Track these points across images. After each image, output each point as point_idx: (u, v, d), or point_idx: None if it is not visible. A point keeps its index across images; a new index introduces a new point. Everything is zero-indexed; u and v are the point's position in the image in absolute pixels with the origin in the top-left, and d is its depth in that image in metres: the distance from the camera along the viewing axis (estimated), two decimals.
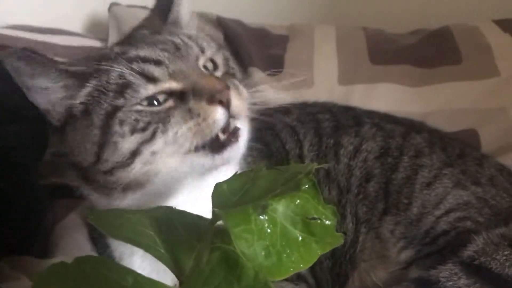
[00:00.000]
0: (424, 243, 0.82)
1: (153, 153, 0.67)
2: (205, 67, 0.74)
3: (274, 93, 1.32)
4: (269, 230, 0.46)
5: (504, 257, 0.74)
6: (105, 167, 0.69)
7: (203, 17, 1.51)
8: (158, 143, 0.66)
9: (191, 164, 0.68)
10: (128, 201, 0.71)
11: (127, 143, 0.67)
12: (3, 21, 1.48)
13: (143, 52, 0.70)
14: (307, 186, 0.49)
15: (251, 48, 1.44)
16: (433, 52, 1.34)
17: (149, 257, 0.74)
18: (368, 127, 0.96)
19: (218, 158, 0.68)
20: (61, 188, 0.95)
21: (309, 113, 1.01)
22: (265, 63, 1.39)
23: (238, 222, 0.45)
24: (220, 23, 1.49)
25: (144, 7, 1.53)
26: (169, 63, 0.69)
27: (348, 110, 1.05)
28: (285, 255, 0.46)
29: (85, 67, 0.71)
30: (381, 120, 0.99)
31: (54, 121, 0.74)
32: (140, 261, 0.76)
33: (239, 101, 0.68)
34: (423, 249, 0.82)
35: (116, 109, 0.68)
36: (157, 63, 0.69)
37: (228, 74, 0.76)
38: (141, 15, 1.52)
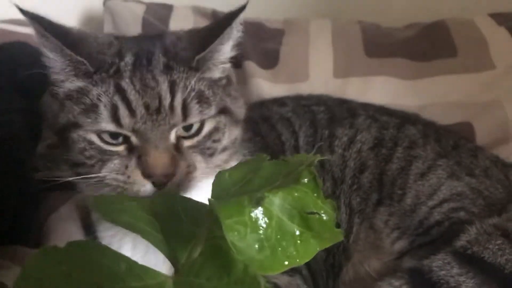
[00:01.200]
0: (417, 234, 0.83)
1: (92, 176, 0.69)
2: (185, 128, 0.71)
3: (270, 86, 1.32)
4: (264, 223, 0.45)
5: (497, 247, 0.74)
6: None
7: (199, 11, 1.51)
8: (94, 172, 0.69)
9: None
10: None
11: (74, 157, 0.71)
12: (0, 15, 1.48)
13: (130, 92, 0.68)
14: (307, 179, 0.47)
15: (246, 42, 1.43)
16: (428, 45, 1.34)
17: (139, 252, 0.75)
18: (362, 118, 0.96)
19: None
20: (54, 180, 0.95)
21: (304, 105, 1.02)
22: (261, 57, 1.39)
23: (230, 213, 0.44)
24: (216, 17, 1.48)
25: (139, 2, 1.53)
26: (140, 120, 0.67)
27: (343, 102, 1.06)
28: (280, 249, 0.45)
29: (88, 62, 0.69)
30: (376, 112, 0.99)
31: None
32: (130, 254, 0.76)
33: (178, 186, 0.68)
34: (416, 240, 0.82)
35: (75, 125, 0.69)
36: (131, 113, 0.67)
37: (198, 146, 0.71)
38: (137, 10, 1.52)
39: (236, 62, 1.37)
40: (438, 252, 0.75)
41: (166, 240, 0.50)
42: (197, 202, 0.54)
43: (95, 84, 0.68)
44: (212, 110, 0.72)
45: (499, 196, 0.88)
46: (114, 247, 0.77)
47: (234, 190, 0.51)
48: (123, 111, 0.67)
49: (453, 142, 0.97)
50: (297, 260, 0.46)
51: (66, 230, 0.84)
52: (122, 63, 0.70)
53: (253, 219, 0.45)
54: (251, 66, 1.36)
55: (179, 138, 0.70)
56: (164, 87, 0.69)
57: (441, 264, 0.73)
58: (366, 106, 1.04)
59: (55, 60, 0.70)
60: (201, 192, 0.66)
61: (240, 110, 0.80)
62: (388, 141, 0.91)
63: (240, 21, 0.73)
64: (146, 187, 0.67)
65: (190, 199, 0.55)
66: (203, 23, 1.43)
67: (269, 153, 0.87)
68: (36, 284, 0.39)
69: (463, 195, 0.86)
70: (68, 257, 0.42)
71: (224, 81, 0.77)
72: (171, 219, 0.51)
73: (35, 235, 0.86)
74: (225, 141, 0.75)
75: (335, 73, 1.32)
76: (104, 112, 0.67)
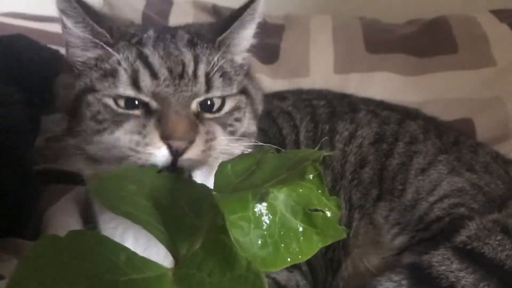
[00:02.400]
0: (418, 229, 0.82)
1: (101, 144, 0.67)
2: (202, 105, 0.69)
3: (270, 81, 1.32)
4: (267, 219, 0.45)
5: (497, 242, 0.74)
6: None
7: (199, 6, 1.50)
8: (106, 136, 0.66)
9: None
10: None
11: (85, 125, 0.68)
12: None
13: (153, 57, 0.67)
14: (312, 175, 0.47)
15: None
16: (429, 41, 1.34)
17: (141, 246, 0.74)
18: (363, 113, 0.95)
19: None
20: (54, 173, 0.95)
21: (305, 99, 1.01)
22: (261, 52, 1.38)
23: (235, 209, 0.44)
24: (216, 12, 1.48)
25: None
26: (162, 83, 0.66)
27: (344, 97, 1.05)
28: (283, 245, 0.45)
29: (108, 33, 0.69)
30: (377, 107, 0.99)
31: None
32: (132, 248, 0.75)
33: (197, 156, 0.64)
34: (416, 235, 0.82)
35: (91, 90, 0.68)
36: (153, 76, 0.66)
37: (219, 120, 0.70)
38: (137, 4, 1.52)
39: None
40: (438, 248, 0.75)
41: (167, 230, 0.49)
42: (200, 186, 0.52)
43: (116, 50, 0.67)
44: (234, 89, 0.72)
45: (500, 192, 0.87)
46: (116, 240, 0.76)
47: (237, 183, 0.50)
48: (144, 75, 0.66)
49: (453, 137, 0.96)
50: (300, 257, 0.45)
51: (65, 223, 0.84)
52: (145, 35, 0.70)
53: (257, 215, 0.44)
54: (251, 61, 1.36)
55: (200, 112, 0.69)
56: (188, 56, 0.68)
57: (440, 259, 0.73)
58: (366, 101, 1.03)
59: (75, 31, 0.69)
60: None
61: (259, 102, 0.79)
62: (389, 136, 0.91)
63: (261, 6, 0.74)
64: (161, 150, 0.63)
65: (191, 185, 0.54)
66: (203, 17, 1.43)
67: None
68: (36, 272, 0.39)
69: (464, 191, 0.85)
70: (68, 246, 0.41)
71: (246, 68, 0.78)
72: (172, 208, 0.51)
73: (34, 228, 0.86)
74: (246, 124, 0.73)
75: (335, 69, 1.32)
76: (124, 76, 0.66)
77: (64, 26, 0.70)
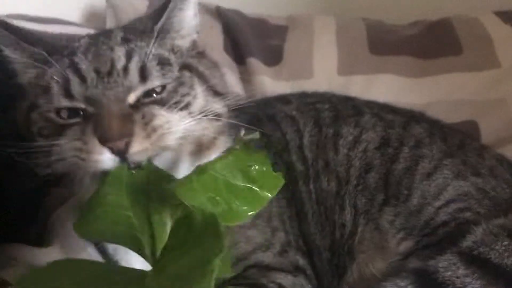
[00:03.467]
0: (423, 234, 0.82)
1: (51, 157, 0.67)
2: (146, 94, 0.68)
3: (273, 83, 1.32)
4: (212, 185, 0.53)
5: (503, 248, 0.73)
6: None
7: (202, 7, 1.49)
8: (53, 152, 0.67)
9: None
10: None
11: (38, 141, 0.69)
12: (1, 10, 1.47)
13: (82, 63, 0.68)
14: (237, 147, 0.57)
15: (250, 39, 1.42)
16: (433, 43, 1.33)
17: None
18: (368, 117, 0.95)
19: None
20: (56, 178, 0.94)
21: (309, 103, 1.01)
22: (264, 54, 1.38)
23: (180, 183, 0.52)
24: (219, 14, 1.47)
25: None
26: (91, 86, 0.66)
27: (348, 100, 1.05)
28: (236, 202, 0.53)
29: (43, 50, 0.70)
30: (381, 110, 0.99)
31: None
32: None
33: (144, 145, 0.63)
34: (422, 240, 0.82)
35: (34, 107, 0.70)
36: (82, 80, 0.67)
37: (161, 101, 0.68)
38: (139, 5, 1.51)
39: (239, 58, 1.38)
40: (444, 253, 0.74)
41: (144, 232, 0.55)
42: (167, 174, 0.61)
43: (50, 66, 0.68)
44: (175, 71, 0.70)
45: (505, 196, 0.87)
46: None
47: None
48: (74, 81, 0.67)
49: (458, 141, 0.96)
50: (255, 207, 0.54)
51: (68, 228, 0.84)
52: (77, 44, 0.72)
53: (201, 183, 0.52)
54: (254, 63, 1.36)
55: (139, 100, 0.67)
56: (119, 53, 0.68)
57: (447, 265, 0.72)
58: (371, 104, 1.03)
59: (15, 57, 0.72)
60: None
61: (215, 80, 0.77)
62: (394, 141, 0.90)
63: None
64: (104, 155, 0.62)
65: (161, 172, 0.61)
66: (207, 19, 1.42)
67: (273, 152, 0.88)
68: None
69: (469, 195, 0.85)
70: (53, 275, 0.47)
71: (193, 52, 0.77)
72: (144, 202, 0.57)
73: (37, 233, 0.85)
74: (200, 99, 0.71)
75: (339, 71, 1.31)
76: (56, 89, 0.67)
77: (7, 58, 0.73)
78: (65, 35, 0.81)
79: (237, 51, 1.40)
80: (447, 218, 0.82)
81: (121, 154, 0.62)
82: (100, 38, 0.72)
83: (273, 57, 1.37)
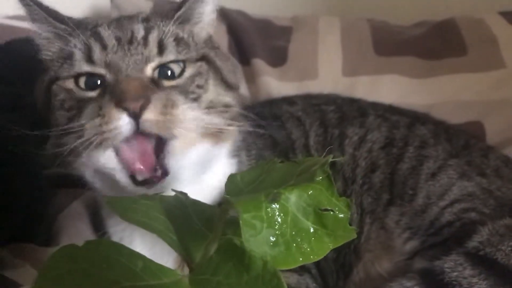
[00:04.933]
0: (429, 234, 0.82)
1: (72, 134, 0.67)
2: (161, 72, 0.70)
3: (278, 84, 1.32)
4: (279, 219, 0.45)
5: (510, 248, 0.73)
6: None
7: None
8: (74, 125, 0.66)
9: (110, 171, 0.68)
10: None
11: (58, 118, 0.71)
12: (3, 11, 1.48)
13: (104, 32, 0.71)
14: (321, 178, 0.47)
15: (254, 40, 1.43)
16: (438, 43, 1.33)
17: (147, 246, 0.75)
18: (373, 118, 0.95)
19: (139, 188, 0.66)
20: (64, 178, 0.95)
21: (314, 104, 1.01)
22: (269, 55, 1.38)
23: (248, 208, 0.44)
24: (224, 14, 1.48)
25: None
26: (110, 51, 0.68)
27: (353, 102, 1.05)
28: (294, 245, 0.45)
29: (69, 27, 0.72)
30: (386, 112, 0.99)
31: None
32: (140, 247, 0.76)
33: (157, 117, 0.64)
34: (428, 240, 0.82)
35: (55, 79, 0.71)
36: (103, 47, 0.69)
37: (180, 88, 0.70)
38: (144, 6, 1.52)
39: (244, 59, 1.39)
40: (450, 253, 0.74)
41: (180, 240, 0.50)
42: (206, 204, 0.54)
43: (74, 37, 0.71)
44: (193, 54, 0.73)
45: (511, 196, 0.87)
46: (126, 241, 0.77)
47: (247, 191, 0.51)
48: (95, 47, 0.69)
49: (463, 141, 0.96)
50: (311, 257, 0.46)
51: (76, 228, 0.85)
52: (100, 21, 0.74)
53: (270, 215, 0.45)
54: (259, 64, 1.36)
55: (159, 79, 0.69)
56: (139, 26, 0.71)
57: (453, 265, 0.72)
58: (376, 105, 1.03)
59: (41, 33, 0.74)
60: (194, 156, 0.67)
61: (229, 73, 0.78)
62: (399, 141, 0.91)
63: None
64: (122, 120, 0.63)
65: (200, 202, 0.55)
66: None
67: (278, 151, 0.88)
68: (56, 281, 0.40)
69: (474, 196, 0.85)
70: (86, 255, 0.42)
71: (209, 43, 0.79)
72: (183, 221, 0.51)
73: (45, 233, 0.86)
74: (211, 93, 0.73)
75: (344, 71, 1.31)
76: (79, 54, 0.70)
77: (35, 32, 0.75)
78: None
79: (242, 51, 1.41)
80: (452, 218, 0.82)
81: (136, 116, 0.63)
82: (124, 17, 0.76)
83: (278, 58, 1.37)
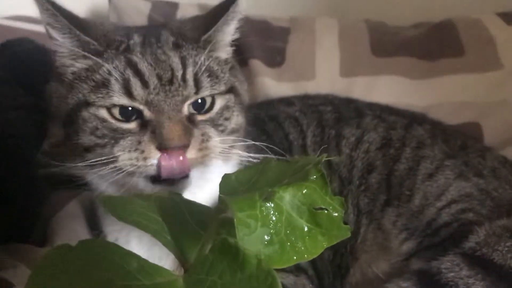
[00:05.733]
0: (426, 235, 0.82)
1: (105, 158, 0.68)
2: (194, 105, 0.71)
3: (276, 84, 1.32)
4: (274, 218, 0.46)
5: (506, 249, 0.73)
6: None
7: (205, 8, 1.50)
8: (107, 154, 0.68)
9: (132, 181, 0.69)
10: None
11: (85, 140, 0.70)
12: (3, 12, 1.48)
13: (142, 65, 0.68)
14: (315, 176, 0.47)
15: (252, 40, 1.43)
16: (435, 44, 1.33)
17: (144, 246, 0.75)
18: (369, 118, 0.95)
19: (158, 188, 0.68)
20: (60, 178, 0.95)
21: (311, 104, 1.01)
22: (267, 55, 1.38)
23: (243, 207, 0.44)
24: None
25: None
26: (153, 91, 0.67)
27: (350, 102, 1.05)
28: (289, 243, 0.45)
29: (96, 42, 0.70)
30: (383, 112, 0.99)
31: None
32: (136, 248, 0.76)
33: (195, 155, 0.67)
34: (424, 241, 0.82)
35: (86, 104, 0.69)
36: (144, 84, 0.67)
37: (211, 121, 0.72)
38: (142, 7, 1.52)
39: (242, 60, 1.38)
40: (446, 254, 0.74)
41: (174, 240, 0.50)
42: (201, 204, 0.54)
43: (105, 60, 0.69)
44: (222, 86, 0.73)
45: (508, 197, 0.87)
46: (121, 241, 0.77)
47: (241, 190, 0.51)
48: (135, 83, 0.67)
49: (461, 142, 0.96)
50: (305, 256, 0.46)
51: (71, 228, 0.84)
52: (131, 41, 0.71)
53: (264, 213, 0.45)
54: (256, 64, 1.36)
55: (192, 114, 0.70)
56: (175, 60, 0.69)
57: (449, 266, 0.72)
58: (373, 106, 1.03)
59: (63, 42, 0.71)
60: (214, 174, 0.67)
61: (245, 93, 0.81)
62: (396, 141, 0.91)
63: (243, 3, 0.75)
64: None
65: (194, 202, 0.55)
66: None
67: (275, 152, 0.88)
68: (49, 281, 0.39)
69: (471, 196, 0.85)
70: (80, 255, 0.42)
71: (230, 64, 0.79)
72: (178, 221, 0.51)
73: (40, 233, 0.86)
74: (234, 121, 0.75)
75: (341, 72, 1.31)
76: (116, 86, 0.67)
77: (50, 37, 0.71)
78: (110, 24, 0.78)
79: (239, 52, 1.40)
80: (449, 219, 0.82)
81: None
82: (151, 39, 0.72)
83: (276, 59, 1.37)
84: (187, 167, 0.67)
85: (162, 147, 0.65)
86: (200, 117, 0.71)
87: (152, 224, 0.50)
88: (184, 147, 0.66)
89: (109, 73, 0.68)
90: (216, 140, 0.70)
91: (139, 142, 0.66)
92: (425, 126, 0.96)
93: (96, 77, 0.68)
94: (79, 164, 0.71)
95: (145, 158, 0.65)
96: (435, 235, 0.81)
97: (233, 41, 0.79)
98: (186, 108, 0.69)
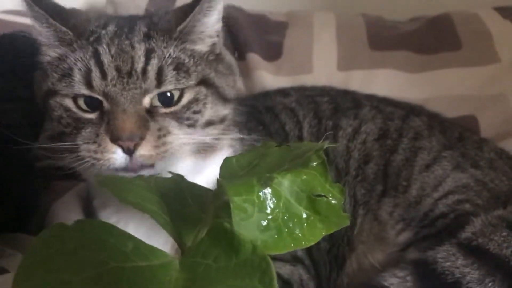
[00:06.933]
0: (422, 225, 0.82)
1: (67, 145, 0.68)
2: (160, 98, 0.69)
3: (273, 78, 1.32)
4: (271, 204, 0.45)
5: (502, 238, 0.74)
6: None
7: None
8: (70, 141, 0.68)
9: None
10: None
11: (55, 127, 0.71)
12: None
13: (105, 56, 0.68)
14: (315, 163, 0.47)
15: (249, 34, 1.42)
16: (432, 38, 1.33)
17: (142, 231, 0.74)
18: (367, 109, 0.95)
19: (124, 173, 0.67)
20: (56, 170, 0.95)
21: (308, 96, 1.01)
22: (264, 49, 1.38)
23: (240, 191, 0.44)
24: None
25: None
26: (110, 82, 0.67)
27: (347, 93, 1.05)
28: (286, 230, 0.45)
29: (71, 32, 0.70)
30: (380, 103, 0.99)
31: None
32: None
33: (150, 152, 0.66)
34: (421, 231, 0.82)
35: (53, 92, 0.70)
36: (103, 75, 0.67)
37: (174, 115, 0.70)
38: (139, 1, 1.52)
39: (239, 54, 1.38)
40: (443, 244, 0.74)
41: (173, 222, 0.50)
42: (203, 187, 0.53)
43: (74, 50, 0.69)
44: (192, 80, 0.71)
45: (504, 188, 0.87)
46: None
47: (241, 174, 0.50)
48: (95, 74, 0.67)
49: (458, 133, 0.96)
50: (303, 243, 0.45)
51: (68, 218, 0.84)
52: (103, 32, 0.71)
53: (261, 199, 0.44)
54: (254, 58, 1.35)
55: (154, 107, 0.69)
56: (138, 52, 0.68)
57: (445, 255, 0.72)
58: (370, 97, 1.03)
59: (41, 31, 0.71)
60: (181, 169, 0.65)
61: (229, 88, 0.77)
62: (393, 132, 0.91)
63: None
64: (116, 154, 0.65)
65: (196, 184, 0.54)
66: None
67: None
68: (43, 261, 0.39)
69: (468, 187, 0.85)
70: (75, 235, 0.42)
71: (211, 56, 0.76)
72: (178, 203, 0.51)
73: (37, 224, 0.85)
74: (208, 114, 0.73)
75: (338, 66, 1.31)
76: (78, 75, 0.68)
77: (33, 26, 0.72)
78: (100, 15, 0.78)
79: (237, 46, 1.40)
80: (446, 210, 0.82)
81: (130, 152, 0.65)
82: (125, 29, 0.72)
83: (273, 53, 1.37)
84: (139, 163, 0.66)
85: (114, 139, 0.65)
86: (163, 110, 0.69)
87: (151, 205, 0.50)
88: (140, 139, 0.65)
89: (74, 63, 0.68)
90: (178, 133, 0.68)
91: (97, 135, 0.66)
92: (422, 118, 0.96)
93: (63, 66, 0.69)
94: (50, 145, 0.71)
95: (102, 152, 0.65)
96: (431, 226, 0.82)
97: (217, 31, 0.76)
98: (148, 101, 0.68)
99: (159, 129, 0.67)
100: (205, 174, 0.74)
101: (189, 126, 0.70)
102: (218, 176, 0.49)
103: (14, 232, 0.82)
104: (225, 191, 0.44)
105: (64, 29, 0.70)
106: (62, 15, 0.71)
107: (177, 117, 0.69)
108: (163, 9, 0.79)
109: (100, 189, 0.69)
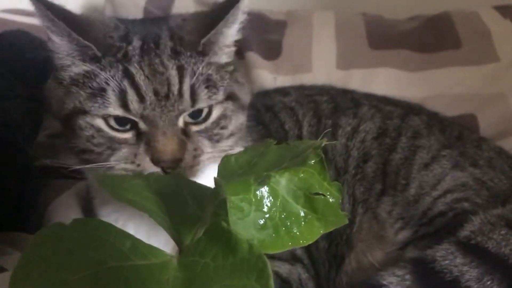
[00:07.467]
0: (421, 224, 0.82)
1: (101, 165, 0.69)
2: (190, 114, 0.70)
3: (272, 77, 1.32)
4: (269, 202, 0.45)
5: (501, 237, 0.73)
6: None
7: (201, 1, 1.50)
8: (103, 161, 0.68)
9: None
10: None
11: (82, 144, 0.70)
12: None
13: (139, 77, 0.66)
14: (313, 161, 0.47)
15: (249, 33, 1.42)
16: (432, 37, 1.33)
17: (141, 236, 0.74)
18: (366, 108, 0.95)
19: None
20: (55, 169, 0.95)
21: (308, 95, 1.01)
22: (263, 48, 1.38)
23: (237, 191, 0.44)
24: None
25: None
26: (149, 106, 0.66)
27: (346, 92, 1.05)
28: (284, 228, 0.45)
29: (95, 46, 0.67)
30: (380, 102, 0.99)
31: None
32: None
33: (186, 170, 0.68)
34: (420, 230, 0.82)
35: (82, 112, 0.68)
36: (140, 98, 0.66)
37: (205, 132, 0.71)
38: (138, 1, 1.51)
39: (239, 53, 1.38)
40: (441, 242, 0.74)
41: (171, 221, 0.50)
42: (203, 186, 0.53)
43: (103, 68, 0.67)
44: (220, 96, 0.71)
45: (503, 187, 0.87)
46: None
47: (240, 173, 0.51)
48: (132, 96, 0.66)
49: (457, 132, 0.96)
50: (301, 241, 0.45)
51: (66, 217, 0.84)
52: (130, 47, 0.69)
53: (258, 197, 0.44)
54: (253, 57, 1.35)
55: (187, 124, 0.70)
56: (173, 73, 0.68)
57: (444, 254, 0.72)
58: (369, 96, 1.03)
59: (61, 45, 0.68)
60: (206, 177, 0.66)
61: (246, 96, 0.79)
62: (392, 131, 0.91)
63: (245, 3, 0.72)
64: (153, 170, 0.66)
65: (195, 183, 0.54)
66: None
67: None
68: (41, 260, 0.39)
69: (467, 186, 0.85)
70: (73, 234, 0.42)
71: (231, 67, 0.76)
72: (176, 201, 0.51)
73: (36, 222, 0.85)
74: (232, 127, 0.74)
75: (338, 65, 1.31)
76: (112, 97, 0.66)
77: (49, 39, 0.69)
78: (111, 22, 0.74)
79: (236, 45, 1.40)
80: (444, 208, 0.82)
81: (167, 170, 0.67)
82: (150, 44, 0.70)
83: (272, 52, 1.37)
84: None
85: (156, 161, 0.66)
86: (195, 128, 0.70)
87: (149, 204, 0.50)
88: (178, 162, 0.67)
89: (106, 82, 0.66)
90: (209, 152, 0.71)
91: (135, 155, 0.67)
92: (421, 117, 0.96)
93: (93, 85, 0.67)
94: (75, 167, 0.71)
95: (141, 171, 0.66)
96: (430, 224, 0.82)
97: (235, 41, 0.75)
98: (182, 120, 0.69)
99: (195, 149, 0.69)
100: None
101: (216, 141, 0.72)
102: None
103: (12, 231, 0.82)
104: (223, 190, 0.44)
105: (87, 43, 0.67)
106: (81, 26, 0.68)
107: (208, 135, 0.71)
108: (179, 16, 0.78)
109: (100, 188, 0.69)
